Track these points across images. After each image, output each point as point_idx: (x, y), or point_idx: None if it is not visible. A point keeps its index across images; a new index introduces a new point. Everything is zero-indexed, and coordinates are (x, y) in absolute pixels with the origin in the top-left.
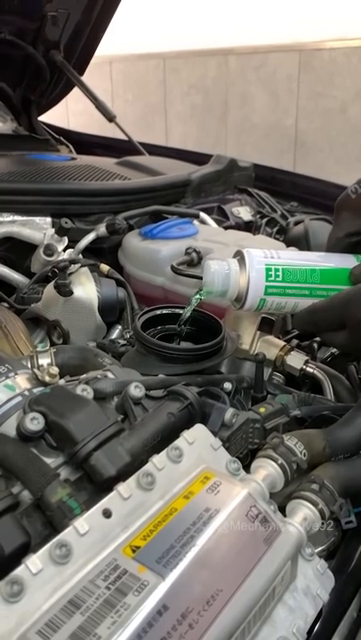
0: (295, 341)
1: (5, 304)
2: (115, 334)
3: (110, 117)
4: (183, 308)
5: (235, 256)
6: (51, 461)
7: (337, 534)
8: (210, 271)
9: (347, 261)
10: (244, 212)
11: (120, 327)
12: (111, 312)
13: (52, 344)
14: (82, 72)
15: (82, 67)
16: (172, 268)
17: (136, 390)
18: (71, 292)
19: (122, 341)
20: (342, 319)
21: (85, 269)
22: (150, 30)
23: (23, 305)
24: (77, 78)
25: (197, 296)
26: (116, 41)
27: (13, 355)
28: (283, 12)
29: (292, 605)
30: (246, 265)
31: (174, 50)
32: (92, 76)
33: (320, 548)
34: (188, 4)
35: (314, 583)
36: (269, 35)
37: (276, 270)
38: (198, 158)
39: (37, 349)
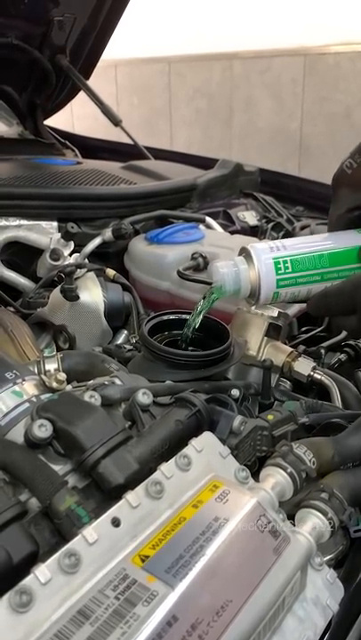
0: (302, 347)
1: (11, 308)
2: (121, 339)
3: (116, 122)
4: (190, 313)
5: (240, 253)
6: (58, 468)
7: (345, 543)
8: (219, 272)
9: (352, 239)
10: (250, 217)
11: (126, 332)
12: (117, 317)
13: (58, 349)
14: (88, 76)
15: (88, 71)
16: (179, 273)
17: (144, 397)
18: (77, 297)
19: (128, 346)
20: (353, 303)
21: (92, 274)
22: (155, 34)
23: (29, 309)
24: (83, 83)
25: (212, 296)
26: (121, 45)
27: (19, 359)
28: (287, 17)
29: (301, 616)
30: (254, 261)
31: (179, 54)
32: (97, 79)
33: (328, 557)
34: (193, 8)
35: (323, 593)
36: (274, 39)
37: (285, 262)
38: (203, 162)
39: (44, 355)
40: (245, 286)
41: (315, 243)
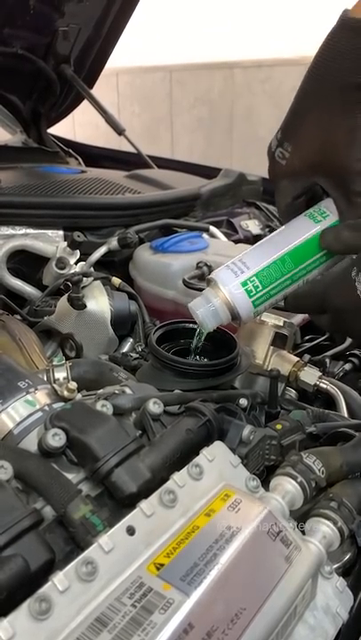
0: (307, 356)
1: (18, 316)
2: (126, 347)
3: (120, 131)
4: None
5: (208, 283)
6: (71, 477)
7: (352, 551)
8: (196, 313)
9: (305, 227)
10: (253, 226)
11: (131, 340)
12: (123, 325)
13: (66, 357)
14: (91, 85)
15: (91, 80)
16: (184, 282)
17: (155, 406)
18: (84, 306)
19: (134, 355)
20: (323, 305)
21: (98, 283)
22: (157, 43)
23: (36, 317)
24: (88, 92)
25: (198, 336)
26: (122, 53)
27: (27, 367)
28: (288, 26)
29: (312, 624)
30: (224, 293)
31: (181, 63)
32: (98, 87)
33: (336, 565)
34: (195, 17)
35: (333, 601)
36: (275, 48)
37: (253, 282)
38: (206, 171)
39: (53, 363)
40: (225, 316)
41: (273, 247)
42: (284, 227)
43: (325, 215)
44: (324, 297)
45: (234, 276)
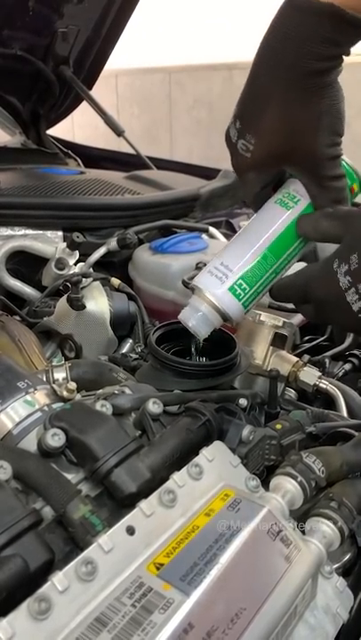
0: (307, 356)
1: (17, 317)
2: (126, 348)
3: (119, 132)
4: None
5: (193, 291)
6: (71, 477)
7: (352, 551)
8: (188, 324)
9: (279, 216)
10: None
11: (131, 341)
12: (123, 326)
13: (65, 358)
14: (90, 87)
15: (90, 82)
16: (184, 282)
17: (154, 407)
18: (84, 306)
19: (134, 355)
20: (305, 296)
21: (97, 283)
22: (156, 44)
23: (35, 318)
24: (87, 93)
25: (195, 345)
26: (121, 55)
27: (27, 368)
28: None
29: (312, 624)
30: (213, 300)
31: (180, 64)
32: (98, 89)
33: (336, 565)
34: (194, 18)
35: (334, 601)
36: None
37: (240, 285)
38: (205, 172)
39: (53, 364)
40: (217, 321)
41: (251, 243)
42: (256, 216)
43: (296, 200)
44: (307, 288)
45: (219, 282)
